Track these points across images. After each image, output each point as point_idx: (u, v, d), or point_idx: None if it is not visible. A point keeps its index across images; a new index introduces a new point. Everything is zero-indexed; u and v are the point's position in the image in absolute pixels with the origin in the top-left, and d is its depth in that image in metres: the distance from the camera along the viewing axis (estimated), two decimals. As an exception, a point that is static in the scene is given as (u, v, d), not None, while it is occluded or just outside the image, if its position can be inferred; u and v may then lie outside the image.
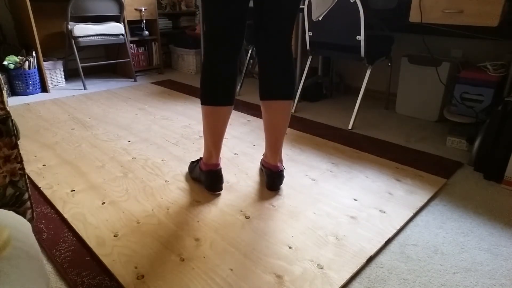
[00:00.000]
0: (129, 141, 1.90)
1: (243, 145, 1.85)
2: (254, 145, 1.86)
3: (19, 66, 2.70)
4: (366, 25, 1.95)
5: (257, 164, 1.65)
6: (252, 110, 2.43)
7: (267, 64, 1.32)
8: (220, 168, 1.40)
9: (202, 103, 1.30)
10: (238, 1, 1.17)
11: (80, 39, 2.91)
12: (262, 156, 1.68)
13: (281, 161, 1.46)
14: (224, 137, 1.34)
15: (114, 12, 3.06)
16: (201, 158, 1.49)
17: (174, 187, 1.45)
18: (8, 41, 2.98)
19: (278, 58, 1.30)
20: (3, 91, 0.98)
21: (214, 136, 1.34)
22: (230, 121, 2.21)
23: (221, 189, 1.42)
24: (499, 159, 1.49)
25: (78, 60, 2.97)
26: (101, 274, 1.00)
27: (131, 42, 3.36)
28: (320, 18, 1.43)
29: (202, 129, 2.07)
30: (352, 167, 1.62)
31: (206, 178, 1.40)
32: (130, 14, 3.23)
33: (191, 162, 1.57)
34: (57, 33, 3.25)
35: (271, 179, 1.43)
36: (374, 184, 1.48)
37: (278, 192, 1.42)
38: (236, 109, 2.46)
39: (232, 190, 1.43)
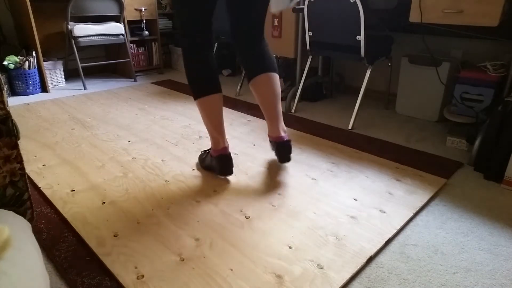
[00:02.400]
0: (129, 141, 1.90)
1: (243, 145, 1.85)
2: (254, 145, 1.86)
3: (19, 66, 2.70)
4: (366, 25, 1.95)
5: (258, 164, 1.65)
6: (252, 110, 2.43)
7: (246, 53, 1.48)
8: (230, 153, 1.49)
9: (194, 99, 1.43)
10: (202, 10, 1.32)
11: (80, 39, 2.91)
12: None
13: (285, 131, 1.54)
14: (223, 123, 1.48)
15: (114, 12, 3.06)
16: (210, 148, 1.57)
17: (174, 187, 1.45)
18: (8, 41, 2.98)
19: (256, 46, 1.47)
20: (3, 91, 0.98)
21: (213, 123, 1.45)
22: (230, 121, 2.21)
23: (232, 172, 1.50)
24: (499, 159, 1.49)
25: (78, 60, 2.97)
26: (101, 274, 1.00)
27: (131, 42, 3.36)
28: (276, 13, 1.62)
29: (202, 129, 2.07)
30: (352, 167, 1.62)
31: (217, 163, 1.48)
32: (130, 14, 3.23)
33: (202, 152, 1.66)
34: (57, 33, 3.25)
35: (279, 151, 1.52)
36: (374, 184, 1.48)
37: (278, 191, 1.42)
38: (236, 109, 2.46)
39: (232, 190, 1.43)
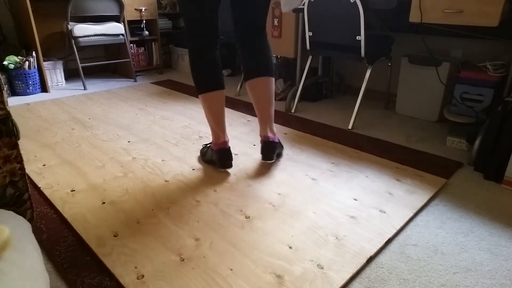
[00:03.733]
0: (129, 141, 1.90)
1: (243, 145, 1.85)
2: (254, 145, 1.86)
3: (19, 66, 2.70)
4: (366, 25, 1.95)
5: (258, 164, 1.65)
6: (252, 110, 2.43)
7: (247, 50, 1.53)
8: (229, 147, 1.55)
9: (198, 93, 1.49)
10: (208, 7, 1.37)
11: (80, 39, 2.91)
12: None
13: (273, 133, 1.61)
14: (224, 118, 1.55)
15: (114, 12, 3.06)
16: (211, 142, 1.62)
17: (174, 187, 1.45)
18: (8, 41, 2.98)
19: (255, 44, 1.52)
20: (3, 91, 0.98)
21: (214, 118, 1.51)
22: (230, 121, 2.21)
23: (231, 165, 1.57)
24: (499, 159, 1.49)
25: (78, 60, 2.97)
26: (101, 274, 1.00)
27: (131, 42, 3.36)
28: (287, 12, 1.64)
29: (202, 129, 2.07)
30: (352, 167, 1.62)
31: (217, 156, 1.54)
32: (130, 14, 3.23)
33: (203, 146, 1.72)
34: (57, 33, 3.25)
35: (265, 148, 1.59)
36: (374, 184, 1.48)
37: (278, 191, 1.42)
38: (236, 109, 2.46)
39: (232, 190, 1.43)
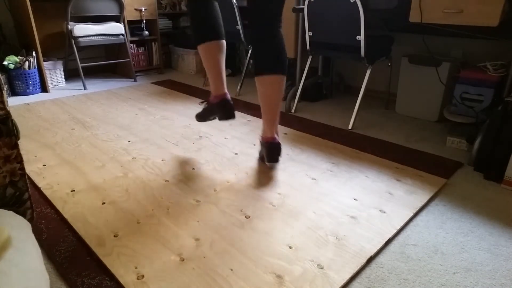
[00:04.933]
0: (129, 141, 1.90)
1: (243, 145, 1.85)
2: (254, 145, 1.86)
3: (19, 66, 2.70)
4: (366, 25, 1.95)
5: (258, 164, 1.65)
6: (252, 110, 2.43)
7: (261, 44, 1.48)
8: (230, 98, 1.52)
9: (197, 44, 1.47)
10: None
11: (80, 39, 2.91)
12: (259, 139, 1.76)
13: (278, 135, 1.57)
14: (224, 70, 1.52)
15: (114, 12, 3.06)
16: (208, 97, 1.61)
17: (174, 187, 1.45)
18: (8, 41, 2.98)
19: (270, 39, 1.48)
20: (3, 91, 0.98)
21: (213, 69, 1.48)
22: (230, 121, 2.20)
23: (234, 116, 1.52)
24: (499, 159, 1.49)
25: (78, 60, 2.97)
26: (101, 274, 1.00)
27: (131, 42, 3.36)
28: None
29: (202, 129, 2.07)
30: (352, 167, 1.62)
31: (218, 108, 1.51)
32: (130, 14, 3.23)
33: (198, 112, 1.71)
34: (57, 33, 3.25)
35: (269, 150, 1.53)
36: (374, 184, 1.48)
37: (278, 191, 1.42)
38: (236, 109, 2.46)
39: (232, 190, 1.43)
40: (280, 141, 1.56)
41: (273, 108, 1.51)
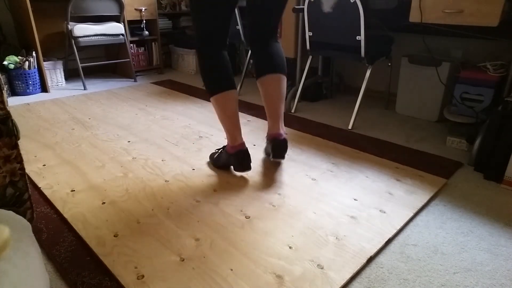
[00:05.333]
0: (129, 141, 1.90)
1: (243, 145, 1.85)
2: (254, 145, 1.86)
3: (19, 66, 2.70)
4: (366, 25, 1.95)
5: (258, 164, 1.65)
6: (252, 110, 2.43)
7: (260, 51, 1.53)
8: (247, 148, 1.50)
9: (210, 95, 1.45)
10: (223, 9, 1.36)
11: (80, 39, 2.91)
12: (264, 152, 1.74)
13: (284, 131, 1.56)
14: (239, 119, 1.50)
15: (114, 12, 3.06)
16: (224, 146, 1.58)
17: (174, 187, 1.45)
18: (8, 41, 2.98)
19: (269, 45, 1.53)
20: (3, 91, 0.98)
21: (230, 119, 1.47)
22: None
23: (250, 168, 1.51)
24: (499, 159, 1.49)
25: (78, 60, 2.97)
26: (101, 274, 1.00)
27: (131, 42, 3.36)
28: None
29: (202, 129, 2.07)
30: (352, 167, 1.62)
31: (235, 159, 1.49)
32: (130, 14, 3.23)
33: (212, 153, 1.67)
34: (57, 33, 3.25)
35: (276, 146, 1.52)
36: (374, 184, 1.48)
37: (278, 191, 1.42)
38: (236, 109, 2.46)
39: (232, 190, 1.43)
40: (287, 138, 1.56)
41: (276, 104, 1.53)
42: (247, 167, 1.50)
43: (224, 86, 1.42)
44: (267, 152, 1.71)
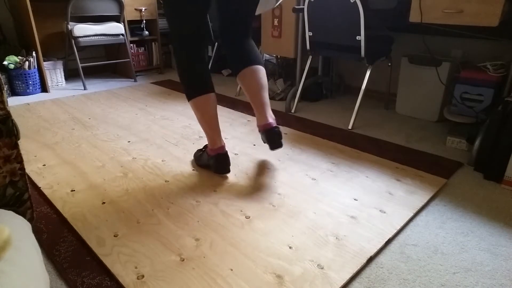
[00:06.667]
0: (129, 141, 1.90)
1: (243, 145, 1.85)
2: (254, 145, 1.86)
3: (19, 66, 2.70)
4: (366, 25, 1.95)
5: (258, 164, 1.65)
6: (252, 110, 2.43)
7: (233, 50, 1.52)
8: (226, 151, 1.50)
9: (188, 99, 1.45)
10: (196, 12, 1.34)
11: (80, 39, 2.91)
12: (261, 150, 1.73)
13: (273, 118, 1.54)
14: (218, 121, 1.50)
15: (114, 12, 3.06)
16: (206, 146, 1.59)
17: (174, 187, 1.45)
18: (8, 41, 2.98)
19: (243, 44, 1.52)
20: (3, 91, 0.98)
21: (208, 123, 1.46)
22: (230, 121, 2.21)
23: (229, 170, 1.53)
24: (499, 159, 1.49)
25: (78, 60, 2.97)
26: (101, 274, 1.00)
27: (131, 42, 3.36)
28: (262, 12, 1.70)
29: (202, 129, 2.07)
30: (352, 167, 1.62)
31: (214, 162, 1.50)
32: (130, 14, 3.23)
33: (197, 150, 1.67)
34: (57, 33, 3.25)
35: (270, 136, 1.51)
36: (374, 184, 1.48)
37: (278, 191, 1.42)
38: (236, 109, 2.46)
39: (232, 190, 1.43)
40: (277, 124, 1.53)
41: (259, 93, 1.51)
42: (226, 170, 1.52)
43: (201, 90, 1.41)
44: (264, 141, 1.66)
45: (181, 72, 1.43)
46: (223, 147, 1.50)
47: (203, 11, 1.36)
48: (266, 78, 1.54)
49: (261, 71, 1.52)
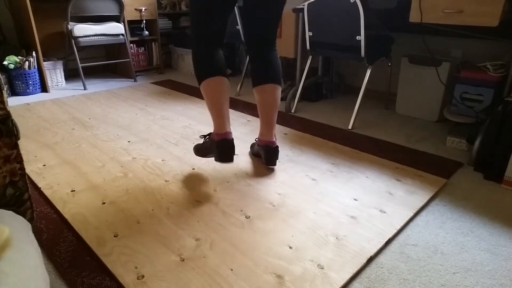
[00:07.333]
0: (129, 141, 1.90)
1: (243, 145, 1.85)
2: (254, 145, 1.86)
3: (19, 66, 2.70)
4: (366, 25, 1.95)
5: (258, 164, 1.65)
6: (252, 110, 2.43)
7: (258, 58, 1.54)
8: (232, 139, 1.42)
9: (199, 82, 1.44)
10: (221, 13, 1.38)
11: (80, 39, 2.91)
12: (255, 141, 1.74)
13: (275, 138, 1.61)
14: (228, 107, 1.46)
15: (114, 12, 3.06)
16: (210, 133, 1.53)
17: (174, 187, 1.45)
18: (8, 41, 2.98)
19: (266, 53, 1.54)
20: (3, 91, 0.98)
21: (215, 106, 1.42)
22: (230, 121, 2.20)
23: (232, 159, 1.43)
24: (499, 159, 1.49)
25: (78, 60, 2.97)
26: (101, 274, 1.00)
27: (131, 42, 3.36)
28: None
29: (202, 129, 2.07)
30: (352, 167, 1.62)
31: (217, 147, 1.40)
32: (130, 14, 3.23)
33: (201, 136, 1.60)
34: (57, 33, 3.25)
35: (269, 154, 1.57)
36: (374, 184, 1.48)
37: (278, 191, 1.42)
38: (236, 109, 2.46)
39: (232, 190, 1.43)
40: (278, 144, 1.60)
41: (271, 112, 1.56)
42: (228, 159, 1.42)
43: (212, 72, 1.40)
44: (254, 153, 1.72)
45: (196, 59, 1.44)
46: (228, 133, 1.42)
47: (226, 16, 1.41)
48: (280, 96, 1.58)
49: (278, 90, 1.55)
